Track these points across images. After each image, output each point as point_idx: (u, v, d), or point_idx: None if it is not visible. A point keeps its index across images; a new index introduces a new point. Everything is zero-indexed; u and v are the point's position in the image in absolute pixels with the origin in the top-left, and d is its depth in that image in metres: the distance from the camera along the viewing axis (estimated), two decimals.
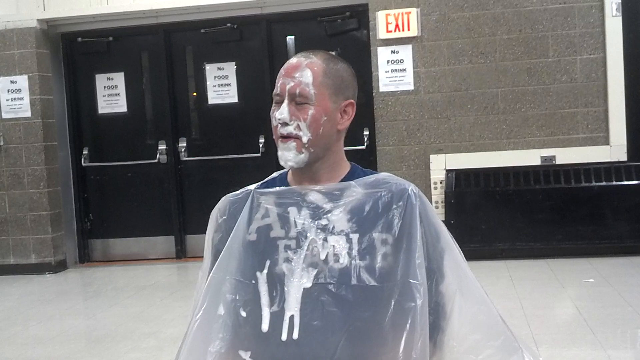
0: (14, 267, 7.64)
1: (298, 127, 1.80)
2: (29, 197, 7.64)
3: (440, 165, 6.84)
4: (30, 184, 7.63)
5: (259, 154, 7.54)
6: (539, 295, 5.53)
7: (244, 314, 1.81)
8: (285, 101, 1.80)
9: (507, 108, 6.81)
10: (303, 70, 1.81)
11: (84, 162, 7.97)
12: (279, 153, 1.83)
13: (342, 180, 1.87)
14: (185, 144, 7.81)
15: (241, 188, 1.91)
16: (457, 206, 6.69)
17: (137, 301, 6.29)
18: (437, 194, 6.80)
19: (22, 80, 7.59)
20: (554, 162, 6.66)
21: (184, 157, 7.82)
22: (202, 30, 7.65)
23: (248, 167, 7.56)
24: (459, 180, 6.75)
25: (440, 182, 6.82)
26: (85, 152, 7.98)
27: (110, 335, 5.30)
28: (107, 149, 8.05)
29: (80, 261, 8.05)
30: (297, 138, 1.80)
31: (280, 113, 1.80)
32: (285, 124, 1.80)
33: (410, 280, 1.74)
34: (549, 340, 4.40)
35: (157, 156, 7.81)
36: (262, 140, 7.54)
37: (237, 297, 1.82)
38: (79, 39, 7.90)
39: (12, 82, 7.60)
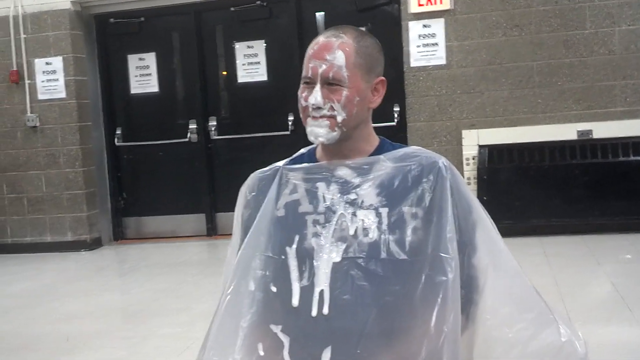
0: (50, 245, 7.33)
1: (332, 108, 1.65)
2: (65, 177, 7.28)
3: (472, 140, 6.23)
4: (66, 164, 7.27)
5: (288, 132, 7.01)
6: (574, 272, 5.07)
7: (274, 289, 1.69)
8: (318, 85, 1.65)
9: (543, 81, 6.16)
10: (335, 52, 1.64)
11: (117, 142, 7.55)
12: (309, 129, 1.68)
13: (371, 155, 1.73)
14: (215, 123, 7.32)
15: (270, 165, 1.76)
16: (490, 182, 6.08)
17: (169, 277, 6.05)
18: (470, 170, 6.20)
19: (57, 62, 7.21)
20: (590, 136, 6.02)
21: (214, 136, 7.33)
22: (232, 9, 7.13)
23: (277, 145, 7.03)
24: (492, 155, 6.15)
25: (473, 158, 6.21)
26: (118, 132, 7.55)
27: (144, 310, 5.11)
28: (139, 129, 7.60)
29: (114, 239, 7.68)
30: (331, 117, 1.65)
31: (314, 99, 1.64)
32: (319, 109, 1.65)
33: (442, 254, 1.60)
34: (584, 317, 3.96)
35: (188, 135, 7.34)
36: (291, 118, 6.99)
37: (267, 273, 1.70)
38: (112, 19, 7.45)
39: (47, 63, 7.23)
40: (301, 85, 1.69)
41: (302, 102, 1.68)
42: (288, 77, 6.89)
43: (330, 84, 1.64)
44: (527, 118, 6.20)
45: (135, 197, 7.65)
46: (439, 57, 6.32)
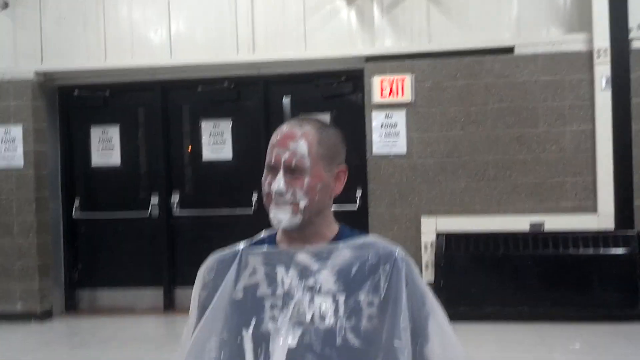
0: None
1: (294, 194, 1.74)
2: (18, 247, 7.29)
3: (431, 227, 6.60)
4: (20, 234, 7.28)
5: (251, 211, 7.23)
6: None
7: None
8: (281, 172, 1.74)
9: (498, 175, 6.62)
10: (298, 141, 1.75)
11: (75, 214, 7.61)
12: (272, 215, 1.76)
13: (330, 241, 1.81)
14: (177, 199, 7.49)
15: (232, 244, 1.83)
16: (447, 269, 6.43)
17: (122, 354, 6.08)
18: (428, 256, 6.54)
19: (17, 131, 7.27)
20: (542, 228, 6.46)
21: (176, 211, 7.49)
22: (199, 89, 7.38)
23: (240, 223, 7.23)
24: (449, 243, 6.51)
25: (431, 245, 6.56)
26: (76, 203, 7.62)
27: None
28: (99, 201, 7.70)
29: (66, 310, 7.64)
30: (293, 203, 1.74)
31: (277, 185, 1.74)
32: (281, 194, 1.74)
33: (396, 343, 1.66)
34: None
35: (149, 209, 7.48)
36: (254, 197, 7.24)
37: (222, 356, 1.74)
38: (76, 92, 7.58)
39: (6, 132, 7.27)
40: (265, 172, 1.78)
41: (265, 188, 1.77)
42: (253, 157, 7.15)
43: (293, 171, 1.73)
44: (482, 208, 6.62)
45: (91, 268, 7.68)
46: (400, 146, 6.71)
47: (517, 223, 6.48)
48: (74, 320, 7.43)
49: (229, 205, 7.36)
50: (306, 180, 1.73)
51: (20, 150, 7.24)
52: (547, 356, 5.42)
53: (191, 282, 1.87)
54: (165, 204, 7.47)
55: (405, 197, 6.71)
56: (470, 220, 6.57)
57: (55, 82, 7.55)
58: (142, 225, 7.52)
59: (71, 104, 7.64)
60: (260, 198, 7.07)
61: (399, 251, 1.76)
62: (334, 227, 1.84)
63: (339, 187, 1.81)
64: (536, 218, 6.48)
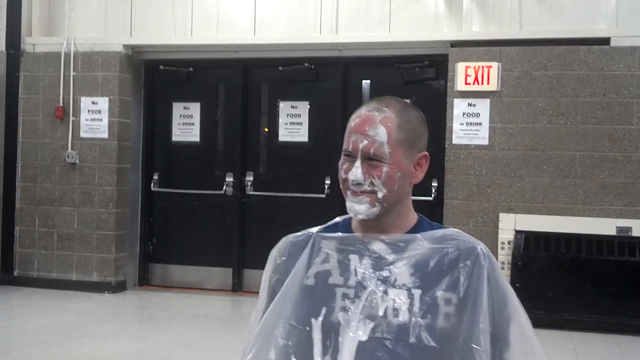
0: (75, 283, 7.53)
1: (372, 184, 1.66)
2: (97, 216, 7.52)
3: (509, 225, 6.33)
4: (100, 204, 7.51)
5: (323, 195, 7.21)
6: None
7: None
8: (358, 161, 1.66)
9: (585, 173, 6.27)
10: (377, 127, 1.65)
11: (153, 187, 7.80)
12: (349, 204, 1.69)
13: (408, 232, 1.72)
14: (252, 178, 7.56)
15: (303, 228, 1.79)
16: (524, 269, 6.15)
17: (189, 330, 6.17)
18: (504, 254, 6.27)
19: (103, 102, 7.51)
20: (630, 233, 6.08)
21: (250, 191, 7.56)
22: (280, 68, 7.41)
23: (312, 207, 7.24)
24: (528, 242, 6.23)
25: (508, 243, 6.30)
26: (155, 177, 7.81)
27: None
28: (176, 176, 7.87)
29: (139, 284, 7.86)
30: (371, 193, 1.66)
31: (354, 175, 1.66)
32: (359, 184, 1.66)
33: (473, 346, 1.57)
34: None
35: (224, 188, 7.57)
36: (328, 181, 7.21)
37: (290, 343, 1.69)
38: (161, 66, 7.77)
39: (93, 102, 7.52)
40: (342, 157, 1.71)
41: (342, 174, 1.70)
42: (329, 141, 7.14)
43: (371, 159, 1.65)
44: (566, 208, 6.30)
45: (165, 244, 7.87)
46: (481, 137, 6.47)
47: (603, 226, 6.13)
48: (146, 294, 7.66)
49: (301, 187, 7.37)
50: (385, 169, 1.65)
51: (105, 121, 7.48)
52: None
53: (260, 265, 1.86)
54: (239, 183, 7.54)
55: (483, 191, 6.46)
56: (552, 219, 6.26)
57: (141, 56, 7.74)
58: (216, 203, 7.64)
59: (156, 79, 7.84)
60: (333, 183, 7.08)
61: (481, 247, 1.67)
62: (413, 218, 1.76)
63: (419, 175, 1.73)
64: (623, 222, 6.10)
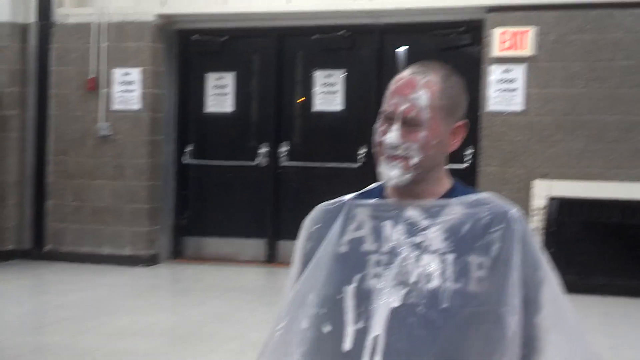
0: (108, 257, 8.64)
1: (408, 148, 1.90)
2: (130, 189, 8.63)
3: (543, 191, 7.40)
4: (132, 177, 8.62)
5: (358, 164, 8.37)
6: (635, 336, 5.89)
7: (327, 329, 1.92)
8: (397, 124, 1.90)
9: (620, 137, 7.32)
10: (419, 90, 1.89)
11: (187, 159, 9.00)
12: (381, 170, 1.94)
13: (442, 197, 1.97)
14: (286, 149, 8.73)
15: (337, 198, 2.07)
16: (558, 235, 7.20)
17: (224, 302, 7.04)
18: (537, 221, 7.33)
19: (135, 73, 8.64)
20: None
21: (284, 162, 8.74)
22: (315, 36, 8.59)
23: (347, 176, 8.36)
24: (562, 208, 7.27)
25: (543, 209, 7.35)
26: (188, 149, 9.01)
27: (194, 333, 5.95)
28: (210, 148, 9.07)
29: (173, 257, 9.00)
30: (405, 158, 1.90)
31: (391, 138, 1.90)
32: (394, 148, 1.90)
33: (503, 309, 1.82)
34: None
35: (258, 158, 8.75)
36: (363, 151, 8.35)
37: (322, 311, 1.93)
38: (195, 36, 8.96)
39: (125, 74, 8.66)
40: (380, 120, 1.94)
41: (377, 137, 1.94)
42: (364, 110, 8.31)
43: (410, 123, 1.88)
44: (600, 173, 7.35)
45: (198, 216, 9.07)
46: (516, 102, 7.60)
47: (637, 190, 7.17)
48: (179, 267, 8.78)
49: (336, 157, 8.52)
50: (422, 134, 1.88)
51: (138, 92, 8.60)
52: None
53: (294, 235, 2.13)
54: (273, 154, 8.72)
55: (518, 157, 7.56)
56: (586, 185, 7.31)
57: (174, 26, 8.92)
58: (250, 174, 8.83)
59: (189, 49, 9.04)
60: (368, 153, 8.20)
61: (515, 211, 1.91)
62: (447, 183, 2.00)
63: (456, 143, 1.96)
64: None
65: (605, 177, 7.38)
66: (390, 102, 1.92)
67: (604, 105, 7.42)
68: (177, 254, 9.13)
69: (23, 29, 8.98)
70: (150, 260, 8.71)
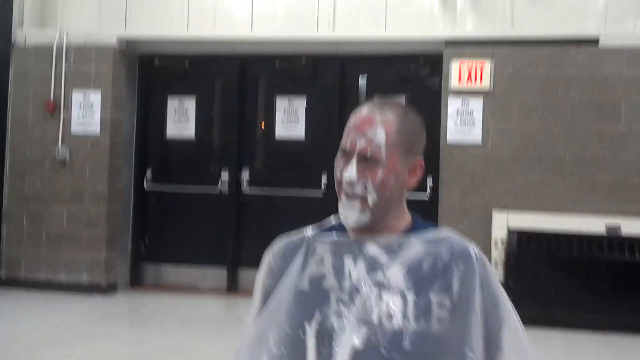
0: (64, 285, 8.88)
1: (365, 187, 2.00)
2: (87, 214, 8.92)
3: (502, 223, 7.92)
4: (90, 202, 8.92)
5: (320, 192, 8.87)
6: None
7: None
8: (354, 160, 2.00)
9: (575, 171, 7.90)
10: (376, 128, 2.00)
11: (146, 185, 9.42)
12: (341, 209, 2.04)
13: (402, 232, 2.07)
14: (248, 175, 9.19)
15: (300, 226, 2.21)
16: (518, 268, 7.68)
17: (182, 333, 7.29)
18: (498, 253, 7.86)
19: (95, 96, 8.98)
20: (619, 232, 7.62)
21: (246, 189, 9.20)
22: (277, 63, 9.10)
23: (310, 204, 8.86)
24: (520, 241, 7.76)
25: (502, 241, 7.87)
26: (148, 174, 9.43)
27: None
28: (171, 173, 9.49)
29: (131, 284, 9.35)
30: (363, 198, 2.01)
31: (349, 173, 2.00)
32: (352, 184, 2.00)
33: (467, 353, 1.90)
34: None
35: (219, 184, 9.20)
36: (325, 178, 8.86)
37: (283, 351, 2.00)
38: (156, 61, 9.42)
39: (85, 97, 9.00)
40: (338, 154, 2.05)
41: (337, 174, 2.04)
42: (326, 137, 8.81)
43: (367, 160, 1.99)
44: (557, 205, 7.91)
45: (158, 243, 9.48)
46: (475, 134, 8.16)
47: (593, 224, 7.71)
48: (138, 295, 9.10)
49: (298, 185, 9.01)
50: (379, 172, 1.99)
51: (97, 116, 8.93)
52: None
53: (256, 264, 2.23)
54: (235, 181, 9.16)
55: (477, 189, 8.11)
56: (544, 217, 7.84)
57: (136, 50, 9.35)
58: (211, 201, 9.25)
59: (150, 73, 9.48)
60: (330, 179, 8.64)
61: (472, 248, 2.01)
62: (406, 218, 2.10)
63: (412, 181, 2.07)
64: (613, 220, 7.68)
65: (561, 209, 7.94)
66: (348, 139, 2.03)
67: (559, 140, 8.00)
68: (136, 281, 9.47)
69: None
70: (108, 288, 8.97)
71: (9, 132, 9.28)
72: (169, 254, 9.51)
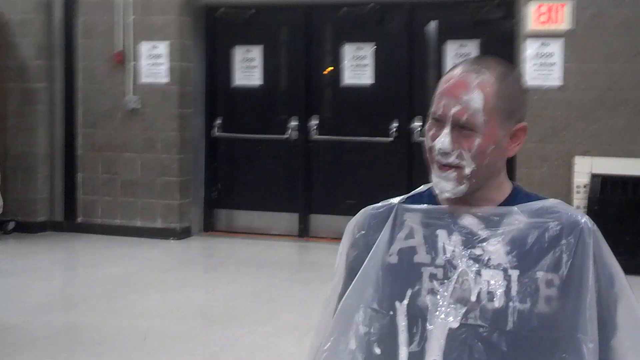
0: (139, 230, 7.99)
1: (461, 156, 1.57)
2: (160, 162, 7.95)
3: (585, 168, 6.62)
4: (163, 149, 7.93)
5: (390, 139, 7.55)
6: None
7: (378, 351, 1.62)
8: (448, 128, 1.57)
9: None
10: (472, 92, 1.56)
11: (216, 132, 8.21)
12: (434, 180, 1.62)
13: (502, 204, 1.63)
14: (316, 122, 7.90)
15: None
16: (601, 214, 6.40)
17: (257, 279, 6.43)
18: (580, 198, 6.58)
19: (163, 47, 7.87)
20: None
21: (315, 135, 7.92)
22: (344, 9, 7.68)
23: (378, 151, 7.63)
24: (604, 186, 6.50)
25: (584, 187, 6.59)
26: (217, 122, 8.20)
27: (227, 314, 5.42)
28: (239, 121, 8.26)
29: (204, 230, 8.32)
30: (458, 167, 1.58)
31: (442, 143, 1.57)
32: (446, 154, 1.57)
33: (579, 335, 1.49)
34: None
35: (288, 132, 7.94)
36: (394, 125, 7.53)
37: (372, 330, 1.63)
38: (222, 9, 8.09)
39: (153, 47, 7.90)
40: (429, 122, 1.62)
41: (428, 142, 1.62)
42: (394, 83, 7.51)
43: (462, 127, 1.56)
44: None
45: (230, 189, 8.32)
46: (555, 78, 6.73)
47: None
48: (211, 240, 8.11)
49: (367, 132, 7.70)
50: (477, 141, 1.55)
51: (165, 66, 7.85)
52: None
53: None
54: (303, 127, 7.90)
55: (557, 134, 6.74)
56: (629, 162, 6.52)
57: (201, 0, 8.06)
58: (280, 148, 8.04)
59: (216, 22, 8.17)
60: (400, 126, 7.44)
61: (585, 220, 1.58)
62: (507, 189, 1.66)
63: (514, 149, 1.63)
64: None
65: None
66: (440, 104, 1.58)
67: None
68: (209, 226, 8.39)
69: (48, 2, 8.22)
70: (182, 233, 8.04)
71: (79, 83, 8.24)
72: (241, 200, 8.31)
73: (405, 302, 1.59)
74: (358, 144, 7.75)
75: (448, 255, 1.60)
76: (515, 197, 1.64)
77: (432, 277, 1.59)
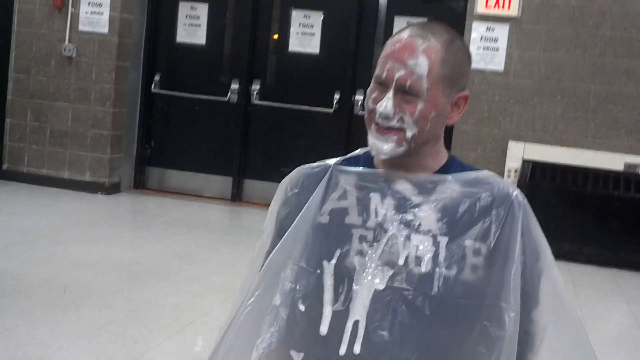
0: (67, 182, 7.83)
1: (402, 120, 1.58)
2: (93, 114, 7.78)
3: (517, 153, 6.83)
4: (97, 101, 7.76)
5: (331, 110, 7.61)
6: (600, 307, 5.51)
7: (302, 307, 1.63)
8: (391, 92, 1.58)
9: (598, 106, 6.76)
10: (418, 57, 1.56)
11: (154, 88, 8.10)
12: (371, 141, 1.63)
13: (437, 172, 1.66)
14: (258, 87, 7.88)
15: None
16: (529, 199, 6.47)
17: (186, 239, 6.38)
18: (509, 182, 6.74)
19: None
20: (637, 170, 6.62)
21: (255, 100, 7.90)
22: None
23: (319, 121, 7.67)
24: (534, 172, 6.73)
25: (515, 171, 6.82)
26: (156, 78, 8.09)
27: (152, 271, 5.34)
28: (179, 79, 8.18)
29: (134, 187, 8.23)
30: (399, 130, 1.59)
31: (383, 107, 1.58)
32: (387, 118, 1.58)
33: (502, 304, 1.53)
34: (604, 357, 4.29)
35: (229, 95, 7.89)
36: (337, 96, 7.59)
37: (298, 287, 1.64)
38: None
39: None
40: (372, 84, 1.63)
41: (369, 104, 1.62)
42: (341, 55, 7.55)
43: (406, 92, 1.57)
44: (575, 140, 6.81)
45: (163, 147, 8.25)
46: (497, 62, 6.91)
47: (611, 161, 6.65)
48: (141, 197, 8.01)
49: (309, 101, 7.72)
50: (419, 106, 1.57)
51: (106, 15, 7.66)
52: (623, 306, 5.58)
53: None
54: (245, 91, 7.87)
55: (494, 118, 6.95)
56: (561, 151, 6.76)
57: None
58: (220, 109, 7.97)
59: None
60: (342, 97, 7.51)
61: (517, 193, 1.64)
62: (443, 158, 1.70)
63: (455, 117, 1.65)
64: (632, 158, 6.63)
65: (580, 144, 6.83)
66: (384, 67, 1.58)
67: (585, 74, 6.82)
68: (140, 184, 8.30)
69: None
70: (111, 188, 7.92)
71: (14, 27, 8.00)
72: (175, 159, 8.24)
73: (334, 261, 1.61)
74: (298, 112, 7.77)
75: (379, 218, 1.62)
76: (451, 166, 1.68)
77: (362, 239, 1.61)
